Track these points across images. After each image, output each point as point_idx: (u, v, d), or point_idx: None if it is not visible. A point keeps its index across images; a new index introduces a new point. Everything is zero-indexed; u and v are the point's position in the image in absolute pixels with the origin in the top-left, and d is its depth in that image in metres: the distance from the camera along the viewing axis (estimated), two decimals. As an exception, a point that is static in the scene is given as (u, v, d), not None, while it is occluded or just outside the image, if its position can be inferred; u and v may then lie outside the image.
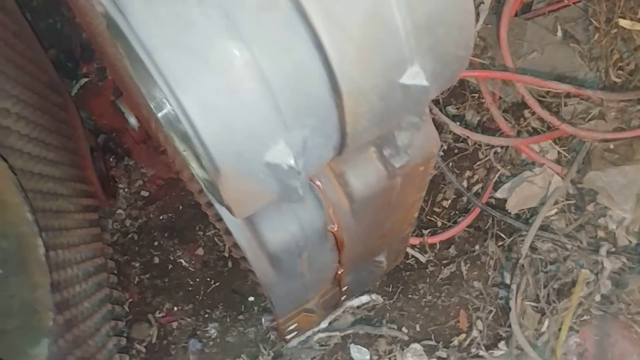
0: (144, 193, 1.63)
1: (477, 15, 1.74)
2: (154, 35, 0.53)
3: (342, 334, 1.43)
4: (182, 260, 1.55)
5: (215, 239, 1.57)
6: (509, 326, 1.41)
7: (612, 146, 1.54)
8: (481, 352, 1.40)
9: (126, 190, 1.63)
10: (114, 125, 1.83)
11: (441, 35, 0.65)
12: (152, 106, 0.80)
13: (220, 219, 0.98)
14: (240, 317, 1.48)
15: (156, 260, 1.55)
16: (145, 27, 0.54)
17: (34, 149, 1.01)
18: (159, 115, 0.80)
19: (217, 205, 0.87)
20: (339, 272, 1.18)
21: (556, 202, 1.51)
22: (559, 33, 1.67)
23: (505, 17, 1.61)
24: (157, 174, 1.68)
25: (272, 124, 0.58)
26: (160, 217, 1.61)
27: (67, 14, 1.92)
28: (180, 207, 1.62)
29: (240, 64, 0.54)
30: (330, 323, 1.44)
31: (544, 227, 1.49)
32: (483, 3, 1.69)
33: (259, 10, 0.55)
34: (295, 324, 1.35)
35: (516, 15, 1.68)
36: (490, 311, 1.46)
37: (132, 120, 1.63)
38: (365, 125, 0.69)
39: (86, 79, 1.93)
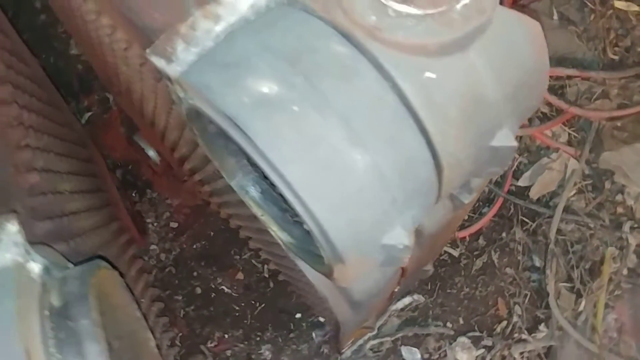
0: (173, 224, 1.64)
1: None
2: (281, 152, 0.55)
3: (392, 338, 1.48)
4: (223, 287, 1.57)
5: (253, 261, 1.59)
6: (546, 307, 1.48)
7: (619, 124, 1.60)
8: (524, 336, 1.47)
9: (155, 224, 1.63)
10: (128, 158, 1.81)
11: (523, 97, 0.68)
12: (224, 175, 0.81)
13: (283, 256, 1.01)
14: (291, 335, 1.52)
15: (198, 290, 1.57)
16: (270, 144, 0.55)
17: (88, 221, 1.02)
18: (232, 183, 0.82)
19: (299, 261, 0.90)
20: (395, 290, 1.22)
21: (574, 184, 1.57)
22: (555, 16, 1.71)
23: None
24: (182, 202, 1.68)
25: (390, 214, 0.61)
26: (194, 247, 1.62)
27: (59, 47, 1.87)
28: (212, 233, 1.63)
29: (362, 167, 0.56)
30: (379, 329, 1.50)
31: (565, 209, 1.55)
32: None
33: (373, 112, 0.57)
34: (353, 338, 1.40)
35: (514, 3, 1.70)
36: (526, 295, 1.53)
37: (153, 154, 1.63)
38: (455, 186, 0.72)
39: (89, 113, 1.89)
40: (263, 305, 1.56)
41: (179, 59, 0.63)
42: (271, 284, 1.57)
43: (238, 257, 1.59)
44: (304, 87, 0.56)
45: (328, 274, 0.69)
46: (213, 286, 1.57)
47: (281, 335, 1.52)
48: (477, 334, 1.50)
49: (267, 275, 1.58)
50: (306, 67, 0.57)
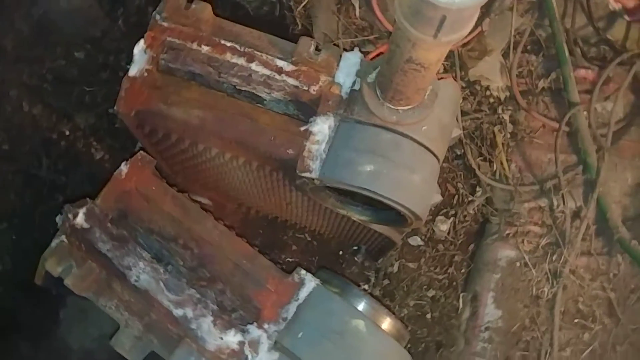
0: (232, 237, 2.18)
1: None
2: (387, 190, 1.17)
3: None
4: (288, 259, 2.18)
5: (296, 235, 2.20)
6: (475, 177, 2.23)
7: (470, 47, 2.30)
8: (470, 198, 2.23)
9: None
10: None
11: (456, 111, 1.33)
12: (323, 204, 1.42)
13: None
14: (343, 265, 2.18)
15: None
16: (381, 189, 1.17)
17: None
18: (328, 205, 1.43)
19: (372, 225, 1.54)
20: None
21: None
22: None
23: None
24: (232, 221, 2.22)
25: (432, 191, 1.26)
26: (255, 243, 2.18)
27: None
28: (261, 231, 2.21)
29: (418, 180, 1.21)
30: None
31: (460, 113, 2.27)
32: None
33: (413, 154, 1.21)
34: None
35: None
36: (460, 175, 2.27)
37: (206, 201, 2.15)
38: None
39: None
40: (317, 257, 2.19)
41: (313, 169, 1.22)
42: (315, 243, 2.20)
43: (286, 237, 2.19)
44: (384, 160, 1.18)
45: (406, 227, 1.35)
46: (281, 262, 2.17)
47: (337, 269, 2.17)
48: (445, 210, 2.24)
49: (309, 239, 2.20)
50: (379, 151, 1.18)
